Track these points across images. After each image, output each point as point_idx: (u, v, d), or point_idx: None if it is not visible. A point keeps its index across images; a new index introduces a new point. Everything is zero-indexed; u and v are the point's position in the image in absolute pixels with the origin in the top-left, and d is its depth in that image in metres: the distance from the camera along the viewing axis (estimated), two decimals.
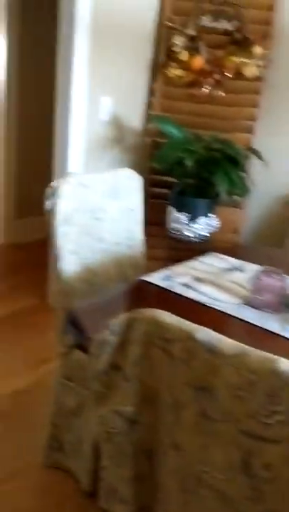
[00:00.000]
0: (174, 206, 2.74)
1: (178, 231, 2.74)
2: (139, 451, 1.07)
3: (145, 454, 1.07)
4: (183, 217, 2.69)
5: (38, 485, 1.77)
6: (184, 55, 2.84)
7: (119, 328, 0.95)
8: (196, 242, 2.74)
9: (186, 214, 2.69)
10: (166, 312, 0.90)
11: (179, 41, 2.83)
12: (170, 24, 2.85)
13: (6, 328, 2.73)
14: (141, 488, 1.10)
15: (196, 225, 2.70)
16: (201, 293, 1.59)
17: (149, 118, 3.04)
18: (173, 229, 2.76)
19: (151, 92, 3.02)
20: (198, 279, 1.68)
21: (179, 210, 2.71)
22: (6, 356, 2.47)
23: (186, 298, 1.56)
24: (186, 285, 1.64)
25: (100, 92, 2.76)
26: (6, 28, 3.50)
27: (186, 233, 2.72)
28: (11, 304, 3.01)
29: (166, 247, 2.79)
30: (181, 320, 0.88)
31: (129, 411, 1.03)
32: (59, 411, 1.76)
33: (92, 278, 1.81)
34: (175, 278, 1.70)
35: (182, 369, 0.89)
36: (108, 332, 0.98)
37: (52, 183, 1.73)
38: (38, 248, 3.88)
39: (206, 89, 2.90)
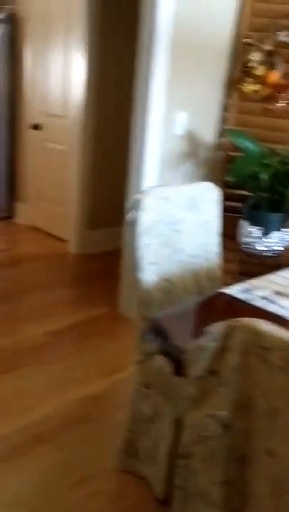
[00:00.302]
0: (247, 220, 2.73)
1: (250, 245, 2.73)
2: (231, 455, 1.08)
3: (237, 458, 1.08)
4: (256, 231, 2.69)
5: (112, 489, 1.81)
6: (260, 70, 2.86)
7: (219, 336, 0.97)
8: (269, 256, 2.72)
9: (260, 228, 2.68)
10: (265, 321, 0.91)
11: (255, 57, 2.86)
12: (247, 40, 2.88)
13: (79, 335, 2.82)
14: (231, 492, 1.11)
15: (269, 240, 2.68)
16: (281, 307, 1.59)
17: (223, 132, 3.07)
18: (245, 243, 2.76)
19: (226, 107, 3.06)
20: (279, 293, 1.68)
21: (252, 224, 2.70)
22: (79, 362, 2.55)
23: (266, 311, 1.56)
24: (266, 298, 1.64)
25: (176, 107, 2.83)
26: (86, 46, 3.66)
27: (259, 247, 2.71)
28: (84, 312, 3.10)
29: (238, 260, 2.78)
30: (280, 329, 0.90)
31: (223, 415, 1.05)
32: (135, 417, 1.80)
33: (169, 288, 1.85)
34: (254, 291, 1.70)
35: (280, 377, 0.91)
36: (207, 339, 1.01)
37: (134, 196, 1.79)
38: (108, 258, 3.99)
39: (281, 104, 2.89)
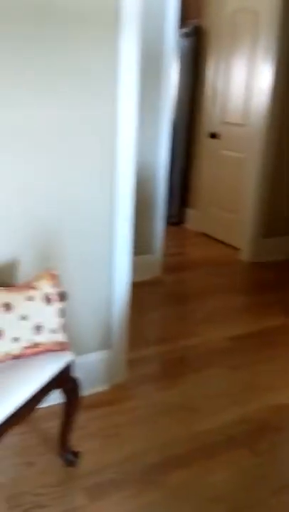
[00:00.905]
0: None
1: None
2: None
3: None
4: None
5: None
6: None
7: None
8: None
9: None
10: None
11: None
12: None
13: (260, 343, 2.80)
14: None
15: None
16: None
17: None
18: None
19: None
20: None
21: None
22: (264, 370, 2.53)
23: None
24: None
25: None
26: (273, 54, 3.63)
27: None
28: (260, 321, 3.07)
29: None
30: None
31: None
32: None
33: None
34: None
35: None
36: None
37: None
38: (282, 268, 3.91)
39: None
